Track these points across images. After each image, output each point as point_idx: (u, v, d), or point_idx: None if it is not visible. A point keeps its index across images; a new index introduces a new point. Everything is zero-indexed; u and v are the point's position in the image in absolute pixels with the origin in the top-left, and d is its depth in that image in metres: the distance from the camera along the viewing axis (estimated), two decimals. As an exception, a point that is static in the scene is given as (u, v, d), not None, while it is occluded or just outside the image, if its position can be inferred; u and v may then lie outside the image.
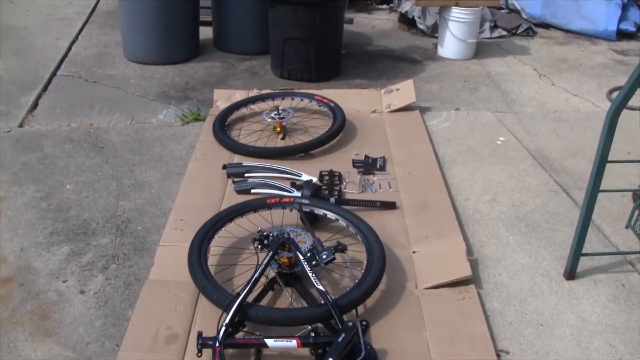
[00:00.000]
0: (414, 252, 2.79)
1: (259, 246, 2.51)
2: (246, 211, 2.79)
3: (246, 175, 3.29)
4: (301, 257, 2.45)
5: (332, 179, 3.28)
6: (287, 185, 3.18)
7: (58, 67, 4.66)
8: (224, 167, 3.32)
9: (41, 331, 2.39)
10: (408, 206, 3.08)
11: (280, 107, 3.75)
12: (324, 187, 3.19)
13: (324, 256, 2.44)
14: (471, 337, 2.33)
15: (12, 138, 3.69)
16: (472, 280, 2.59)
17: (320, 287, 2.33)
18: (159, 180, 3.30)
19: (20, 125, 3.84)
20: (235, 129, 3.78)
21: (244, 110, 3.92)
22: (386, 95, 4.13)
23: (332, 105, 3.82)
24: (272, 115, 3.70)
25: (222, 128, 3.66)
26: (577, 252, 2.56)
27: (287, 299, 2.49)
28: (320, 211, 2.80)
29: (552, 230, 2.93)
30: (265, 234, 2.54)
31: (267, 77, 4.58)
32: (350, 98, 4.14)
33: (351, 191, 3.20)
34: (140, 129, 3.81)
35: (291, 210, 2.84)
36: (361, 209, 3.03)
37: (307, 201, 2.83)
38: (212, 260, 2.65)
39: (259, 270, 2.40)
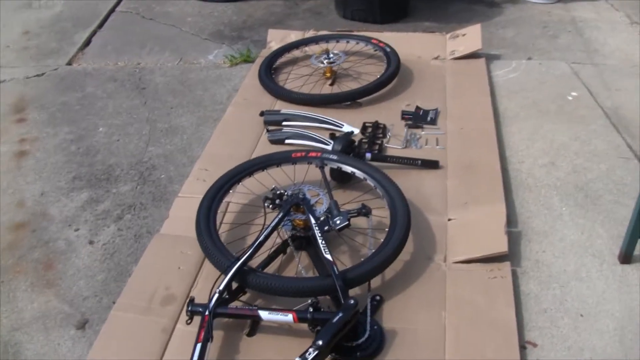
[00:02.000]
0: (449, 220, 2.49)
1: (271, 206, 2.30)
2: (268, 165, 2.58)
3: (284, 123, 3.07)
4: (313, 221, 2.22)
5: (375, 132, 3.00)
6: (325, 136, 2.92)
7: (117, 4, 4.55)
8: (262, 113, 3.10)
9: (42, 282, 2.31)
10: (452, 166, 2.77)
11: (331, 51, 3.46)
12: (364, 140, 2.91)
13: (338, 221, 2.21)
14: (495, 323, 2.05)
15: (57, 76, 3.62)
16: (508, 256, 2.28)
17: (328, 256, 2.10)
18: (194, 126, 3.13)
19: (69, 63, 3.76)
20: (283, 73, 3.53)
21: (295, 53, 3.66)
22: (451, 41, 3.75)
23: (388, 50, 3.49)
24: (322, 59, 3.43)
25: (268, 72, 3.43)
26: (635, 231, 2.19)
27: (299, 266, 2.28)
28: (347, 168, 2.54)
29: (614, 204, 2.54)
30: (278, 192, 2.32)
31: (329, 18, 4.28)
32: (413, 42, 3.78)
33: (394, 146, 2.91)
34: (186, 70, 3.64)
35: (317, 166, 2.59)
36: (400, 167, 2.75)
37: (334, 156, 2.57)
38: (226, 218, 2.47)
39: (264, 234, 2.20)
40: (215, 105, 3.28)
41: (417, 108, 3.17)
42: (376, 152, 2.86)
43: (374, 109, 3.21)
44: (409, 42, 3.77)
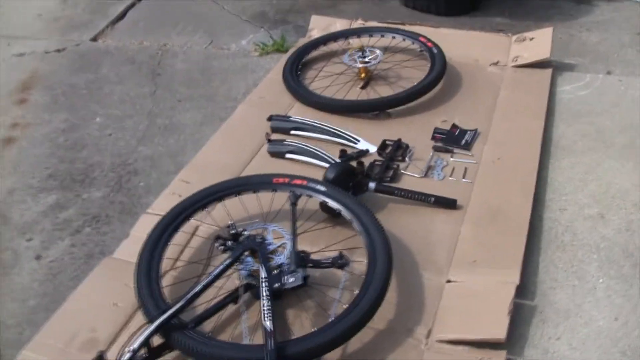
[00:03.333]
0: (447, 282, 2.02)
1: (221, 247, 1.92)
2: (243, 190, 2.19)
3: (292, 132, 2.65)
4: (263, 275, 1.82)
5: (394, 153, 2.53)
6: (335, 153, 2.50)
7: (165, -25, 4.23)
8: (269, 118, 2.70)
9: (-30, 301, 2.05)
10: (473, 208, 2.27)
11: (369, 48, 2.98)
12: (378, 163, 2.46)
13: (291, 279, 1.80)
14: None
15: (77, 53, 3.37)
16: (507, 344, 1.79)
17: (267, 323, 1.70)
18: (196, 124, 2.79)
19: (93, 39, 3.51)
20: (312, 69, 3.10)
21: (332, 46, 3.20)
22: (517, 45, 3.16)
23: (435, 51, 2.97)
24: (356, 57, 2.96)
25: (294, 67, 3.01)
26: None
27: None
28: (334, 204, 2.11)
29: (670, 286, 1.97)
30: (234, 231, 1.93)
31: (388, 4, 3.77)
32: (472, 43, 3.23)
33: (411, 174, 2.44)
34: (211, 56, 3.29)
35: (299, 196, 2.17)
36: (409, 202, 2.28)
37: (321, 187, 2.14)
38: (185, 253, 2.12)
39: (203, 284, 1.82)
40: (228, 101, 2.91)
41: (453, 126, 2.66)
42: (388, 179, 2.40)
43: (403, 122, 2.73)
44: (467, 42, 3.22)
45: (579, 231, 2.19)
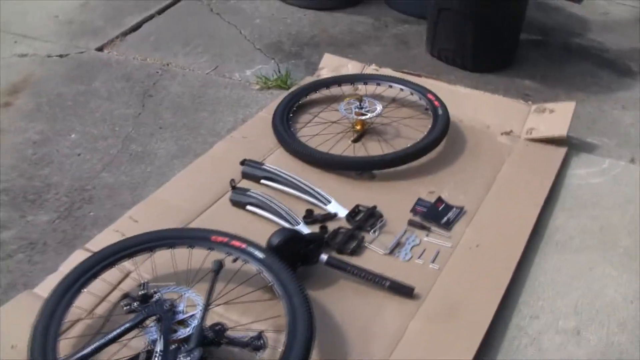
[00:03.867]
0: (375, 387, 1.77)
1: (126, 307, 1.73)
2: (176, 244, 1.99)
3: (262, 182, 2.45)
4: (158, 348, 1.62)
5: (364, 221, 2.30)
6: (301, 213, 2.29)
7: (193, -10, 4.11)
8: (242, 162, 2.51)
9: None
10: (432, 301, 2.02)
11: (368, 98, 2.77)
12: (342, 230, 2.24)
13: (188, 358, 1.60)
14: None
15: (78, 61, 3.27)
16: None
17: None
18: (168, 157, 2.62)
19: (99, 49, 3.40)
20: (308, 113, 2.89)
21: (334, 90, 2.99)
22: (535, 115, 2.88)
23: (440, 112, 2.72)
24: (353, 107, 2.74)
25: (288, 108, 2.81)
26: None
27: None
28: (267, 277, 1.89)
29: None
30: (144, 292, 1.75)
31: (413, 52, 3.54)
32: (488, 106, 2.97)
33: (376, 248, 2.20)
34: (209, 83, 3.13)
35: (234, 260, 1.97)
36: (361, 282, 2.05)
37: (259, 254, 1.93)
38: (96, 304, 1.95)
39: (94, 346, 1.64)
40: (210, 135, 2.73)
41: (439, 200, 2.40)
42: (348, 251, 2.17)
43: (385, 187, 2.50)
44: (483, 104, 2.96)
45: (545, 347, 1.92)
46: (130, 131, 2.73)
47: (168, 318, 1.69)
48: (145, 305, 1.73)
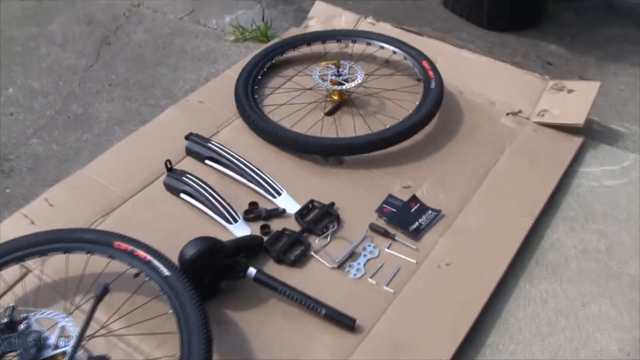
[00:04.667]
0: None
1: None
2: (74, 248, 1.67)
3: (206, 162, 2.09)
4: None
5: (316, 222, 1.93)
6: (245, 202, 1.94)
7: None
8: (188, 137, 2.14)
9: None
10: (377, 335, 1.66)
11: (348, 63, 2.33)
12: (287, 232, 1.88)
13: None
14: None
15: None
16: None
17: None
18: (110, 122, 2.28)
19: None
20: (280, 76, 2.48)
21: (315, 48, 2.56)
22: (551, 94, 2.40)
23: (432, 86, 2.28)
24: (329, 74, 2.31)
25: (256, 70, 2.40)
26: None
27: None
28: (168, 301, 1.56)
29: None
30: (7, 319, 1.44)
31: (424, 1, 3.03)
32: (496, 77, 2.50)
33: (322, 260, 1.84)
34: (179, 30, 2.73)
35: (136, 275, 1.64)
36: (295, 304, 1.70)
37: (165, 271, 1.59)
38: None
39: None
40: (165, 96, 2.37)
41: (413, 199, 2.01)
42: (289, 261, 1.81)
43: (353, 176, 2.11)
44: (490, 75, 2.50)
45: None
46: (76, 87, 2.38)
47: (30, 355, 1.38)
48: (7, 337, 1.42)
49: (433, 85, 2.27)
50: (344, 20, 2.74)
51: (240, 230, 1.89)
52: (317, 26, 2.73)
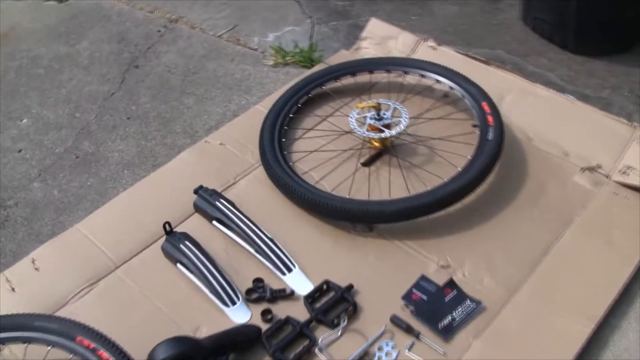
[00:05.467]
0: None
1: None
2: (33, 339, 1.45)
3: (214, 223, 1.83)
4: None
5: (325, 312, 1.62)
6: (244, 281, 1.67)
7: None
8: (197, 190, 1.88)
9: None
10: None
11: (394, 105, 1.99)
12: (293, 323, 1.59)
13: None
14: None
15: (76, 9, 2.76)
16: None
17: None
18: (121, 164, 2.06)
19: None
20: (313, 115, 2.16)
21: (363, 79, 2.22)
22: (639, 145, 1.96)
23: (490, 137, 1.90)
24: (368, 117, 1.98)
25: (285, 108, 2.10)
26: None
27: None
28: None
29: None
30: None
31: (502, 16, 2.62)
32: (573, 121, 2.08)
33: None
34: (215, 52, 2.47)
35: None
36: None
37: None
38: None
39: None
40: (185, 134, 2.12)
41: (449, 284, 1.66)
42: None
43: (383, 248, 1.78)
44: (567, 120, 2.08)
45: None
46: (92, 120, 2.18)
47: None
48: None
49: (491, 135, 1.88)
50: (401, 42, 2.38)
51: (239, 314, 1.62)
52: (369, 49, 2.39)
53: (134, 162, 2.01)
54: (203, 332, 1.58)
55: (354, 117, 1.98)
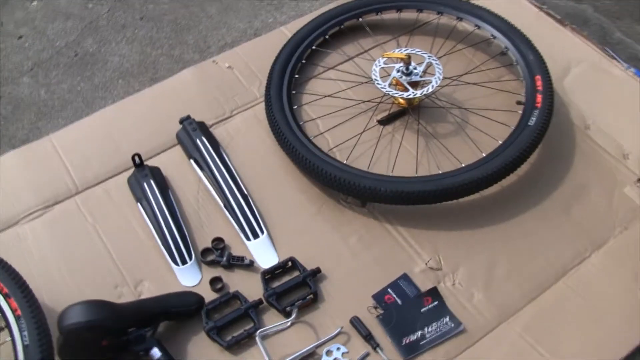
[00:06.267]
0: None
1: None
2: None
3: (191, 160, 1.63)
4: None
5: (280, 295, 1.43)
6: (202, 239, 1.49)
7: None
8: (182, 120, 1.67)
9: None
10: None
11: (430, 57, 1.67)
12: (239, 298, 1.41)
13: None
14: None
15: None
16: None
17: None
18: (118, 72, 1.91)
19: None
20: (339, 52, 1.86)
21: (391, 17, 1.89)
22: None
23: (533, 120, 1.57)
24: (395, 69, 1.68)
25: (308, 38, 1.81)
26: None
27: None
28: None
29: None
30: None
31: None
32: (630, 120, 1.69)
33: (264, 354, 1.35)
34: None
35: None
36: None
37: (26, 338, 1.23)
38: None
39: None
40: (196, 48, 1.91)
41: (431, 293, 1.43)
42: (225, 344, 1.35)
43: (371, 230, 1.54)
44: (632, 105, 1.69)
45: None
46: (103, 14, 1.97)
47: None
48: None
49: (533, 120, 1.55)
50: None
51: (187, 276, 1.45)
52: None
53: (132, 72, 1.81)
54: (145, 287, 1.43)
55: (379, 65, 1.67)
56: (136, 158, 1.57)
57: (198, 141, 1.60)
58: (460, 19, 1.82)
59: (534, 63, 1.66)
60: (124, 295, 1.41)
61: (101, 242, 1.49)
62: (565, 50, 1.77)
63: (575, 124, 1.69)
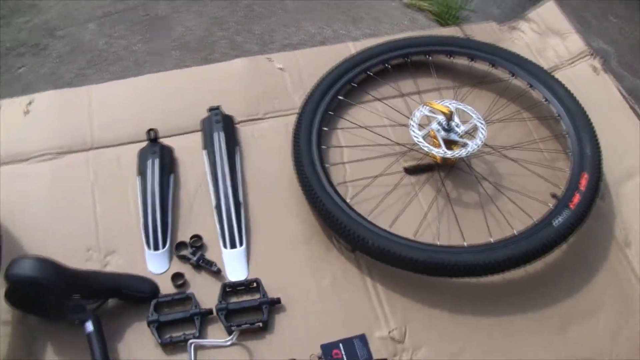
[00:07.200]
0: None
1: None
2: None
3: (203, 153, 1.62)
4: None
5: (233, 314, 1.40)
6: (183, 231, 1.49)
7: None
8: (210, 109, 1.67)
9: None
10: None
11: (475, 118, 1.57)
12: (178, 297, 1.40)
13: None
14: None
15: None
16: None
17: None
18: (175, 43, 1.88)
19: None
20: (363, 103, 1.77)
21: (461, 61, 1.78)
22: None
23: (559, 222, 1.43)
24: (434, 123, 1.58)
25: (348, 74, 1.73)
26: None
27: None
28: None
29: None
30: None
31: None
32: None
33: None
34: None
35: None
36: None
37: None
38: None
39: None
40: (258, 40, 1.89)
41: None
42: (162, 340, 1.35)
43: (349, 277, 1.47)
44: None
45: None
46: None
47: None
48: None
49: (558, 221, 1.42)
50: (564, 45, 1.85)
51: (155, 262, 1.44)
52: (525, 34, 1.91)
53: (189, 46, 1.81)
54: (114, 259, 1.44)
55: (415, 117, 1.57)
56: (151, 133, 1.57)
57: (215, 135, 1.58)
58: (531, 86, 1.67)
59: (587, 158, 1.51)
60: (91, 260, 1.41)
61: (92, 203, 1.50)
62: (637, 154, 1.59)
63: (616, 236, 1.52)
